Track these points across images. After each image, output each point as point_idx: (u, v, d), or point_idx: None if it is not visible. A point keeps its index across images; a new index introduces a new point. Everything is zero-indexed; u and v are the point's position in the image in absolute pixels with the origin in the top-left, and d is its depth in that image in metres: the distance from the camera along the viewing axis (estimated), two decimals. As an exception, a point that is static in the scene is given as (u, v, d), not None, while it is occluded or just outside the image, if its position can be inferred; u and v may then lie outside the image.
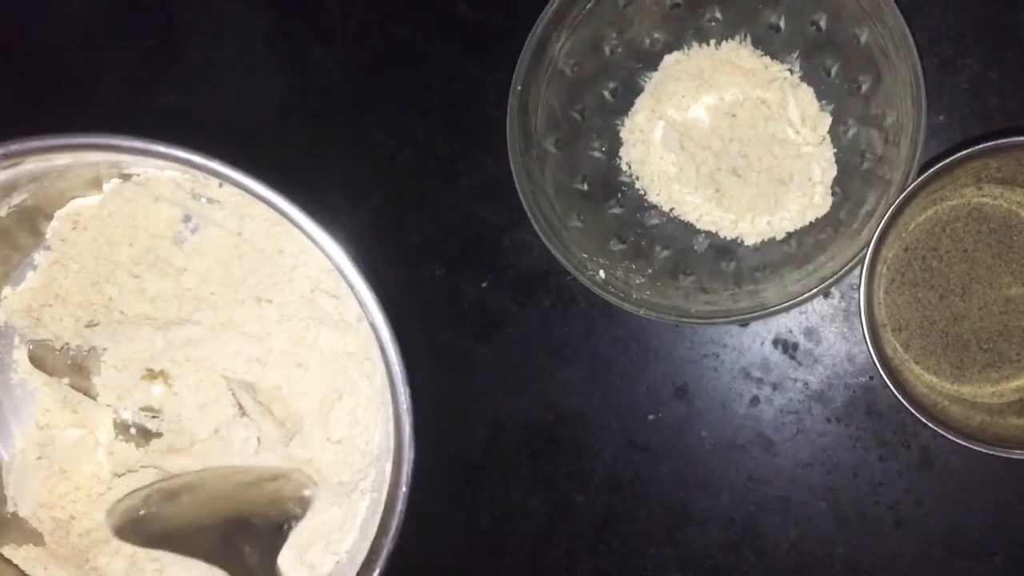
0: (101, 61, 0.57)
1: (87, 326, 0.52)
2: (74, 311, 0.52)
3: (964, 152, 0.44)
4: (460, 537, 0.56)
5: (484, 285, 0.56)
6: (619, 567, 0.55)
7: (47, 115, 0.57)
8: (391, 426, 0.47)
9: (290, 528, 0.50)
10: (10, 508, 0.52)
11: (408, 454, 0.46)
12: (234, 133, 0.56)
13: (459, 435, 0.55)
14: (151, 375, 0.52)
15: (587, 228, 0.52)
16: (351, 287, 0.45)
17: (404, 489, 0.46)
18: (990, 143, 0.44)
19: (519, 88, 0.48)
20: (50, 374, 0.53)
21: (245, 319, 0.51)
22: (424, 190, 0.56)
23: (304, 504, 0.50)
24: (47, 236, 0.52)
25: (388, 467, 0.47)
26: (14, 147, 0.45)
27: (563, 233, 0.50)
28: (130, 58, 0.57)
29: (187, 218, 0.52)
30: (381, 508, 0.48)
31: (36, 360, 0.53)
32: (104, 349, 0.52)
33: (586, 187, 0.53)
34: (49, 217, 0.52)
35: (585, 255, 0.50)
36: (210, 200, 0.52)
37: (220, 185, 0.51)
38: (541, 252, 0.50)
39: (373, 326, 0.45)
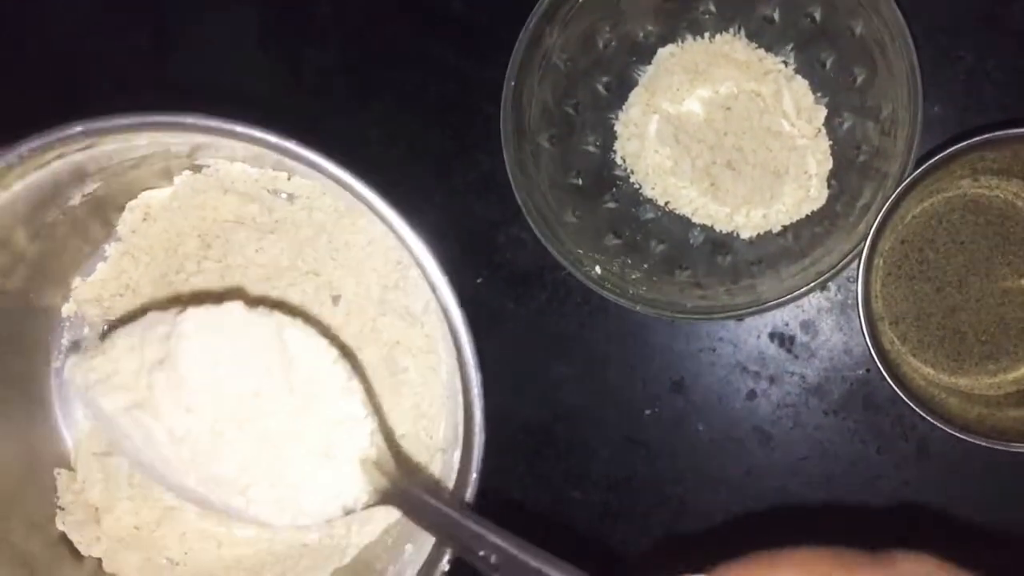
0: (91, 62, 0.57)
1: None
2: (144, 303, 0.52)
3: (960, 144, 0.44)
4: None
5: (479, 281, 0.55)
6: (618, 563, 0.55)
7: (38, 116, 0.57)
8: (459, 415, 0.46)
9: None
10: (79, 489, 0.51)
11: (479, 439, 0.45)
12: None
13: (456, 432, 0.55)
14: None
15: (582, 223, 0.51)
16: (427, 277, 0.45)
17: (475, 475, 0.45)
18: (986, 135, 0.44)
19: (513, 83, 0.48)
20: None
21: (313, 313, 0.51)
22: (418, 187, 0.55)
23: None
24: (118, 228, 0.52)
25: (456, 455, 0.47)
26: (95, 125, 0.44)
27: (558, 228, 0.50)
28: (121, 58, 0.57)
29: (259, 210, 0.52)
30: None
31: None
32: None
33: (581, 182, 0.53)
34: (120, 208, 0.52)
35: (580, 250, 0.50)
36: (277, 192, 0.52)
37: (289, 177, 0.51)
38: (536, 248, 0.50)
39: (444, 310, 0.45)
